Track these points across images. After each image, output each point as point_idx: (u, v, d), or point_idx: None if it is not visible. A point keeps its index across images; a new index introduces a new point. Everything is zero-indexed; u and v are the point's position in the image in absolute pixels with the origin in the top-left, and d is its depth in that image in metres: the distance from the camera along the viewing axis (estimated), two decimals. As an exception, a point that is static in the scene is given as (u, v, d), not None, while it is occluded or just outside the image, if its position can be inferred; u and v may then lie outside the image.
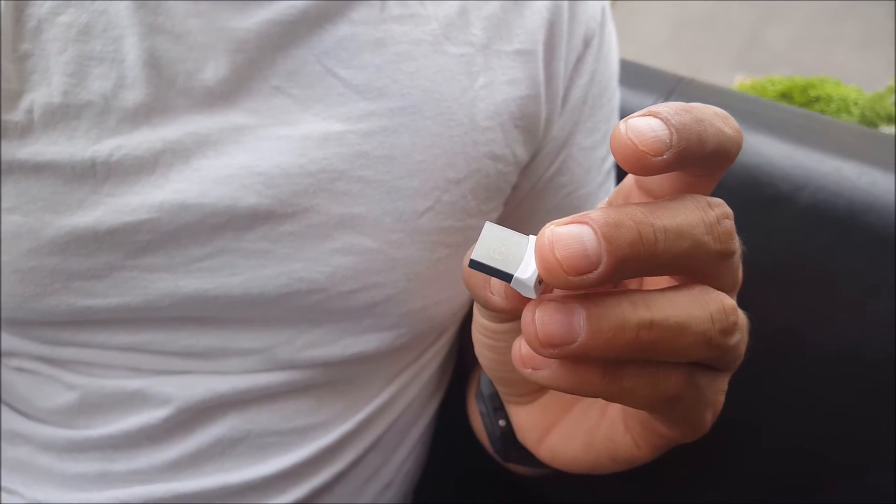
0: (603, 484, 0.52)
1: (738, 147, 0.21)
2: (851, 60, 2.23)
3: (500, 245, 0.19)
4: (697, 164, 0.19)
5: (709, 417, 0.24)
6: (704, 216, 0.19)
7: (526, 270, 0.19)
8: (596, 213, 0.18)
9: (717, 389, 0.23)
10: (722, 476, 0.48)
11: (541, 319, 0.18)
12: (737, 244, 0.21)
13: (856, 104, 1.79)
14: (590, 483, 0.52)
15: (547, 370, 0.19)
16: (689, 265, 0.19)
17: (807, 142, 0.47)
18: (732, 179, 0.46)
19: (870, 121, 1.68)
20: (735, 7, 2.50)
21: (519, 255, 0.19)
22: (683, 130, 0.18)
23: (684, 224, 0.19)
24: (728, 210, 0.20)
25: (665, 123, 0.18)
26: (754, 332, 0.25)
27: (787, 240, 0.45)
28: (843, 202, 0.44)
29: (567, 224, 0.18)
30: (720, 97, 0.53)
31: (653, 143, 0.18)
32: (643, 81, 0.52)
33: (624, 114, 0.48)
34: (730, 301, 0.20)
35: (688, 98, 0.52)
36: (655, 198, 0.23)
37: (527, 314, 0.19)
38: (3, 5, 0.33)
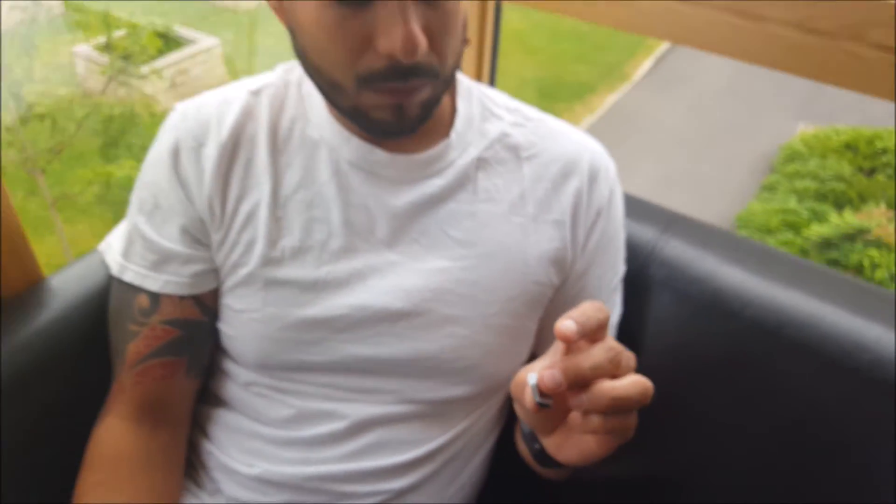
0: (610, 490, 0.75)
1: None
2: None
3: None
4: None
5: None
6: (607, 355, 0.43)
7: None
8: (561, 362, 0.42)
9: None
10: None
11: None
12: (626, 365, 0.43)
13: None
14: (598, 487, 0.75)
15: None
16: (601, 375, 0.43)
17: (780, 279, 0.69)
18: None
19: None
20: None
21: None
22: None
23: (598, 360, 0.42)
24: (619, 350, 0.43)
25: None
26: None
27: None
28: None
29: (550, 368, 0.42)
30: (718, 239, 0.75)
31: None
32: (643, 214, 0.77)
33: (629, 243, 0.72)
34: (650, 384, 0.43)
35: (684, 235, 0.75)
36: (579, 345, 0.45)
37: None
38: (266, 191, 0.61)
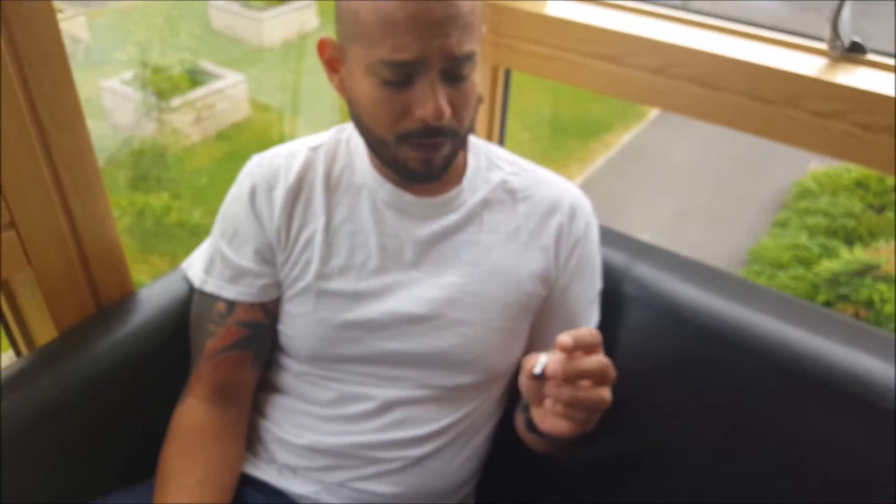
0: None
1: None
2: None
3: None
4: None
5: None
6: (598, 366, 0.59)
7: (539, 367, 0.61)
8: (564, 361, 0.59)
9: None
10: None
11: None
12: (608, 377, 0.60)
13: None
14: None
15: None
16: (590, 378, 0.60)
17: (723, 294, 0.86)
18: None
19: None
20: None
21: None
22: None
23: (590, 367, 0.59)
24: (607, 365, 0.60)
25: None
26: None
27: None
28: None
29: (557, 362, 0.59)
30: (677, 263, 0.92)
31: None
32: (618, 243, 0.94)
33: (607, 265, 0.89)
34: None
35: (650, 260, 0.93)
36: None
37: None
38: (321, 224, 0.79)
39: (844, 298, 4.80)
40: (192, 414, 0.81)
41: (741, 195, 6.50)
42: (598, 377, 0.60)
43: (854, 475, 0.78)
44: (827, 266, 4.98)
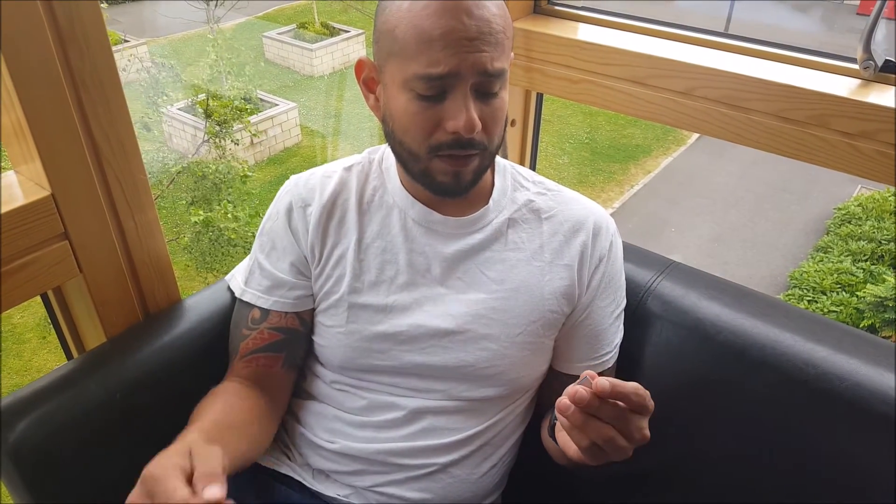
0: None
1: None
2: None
3: None
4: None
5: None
6: (614, 412, 0.61)
7: None
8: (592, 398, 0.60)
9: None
10: None
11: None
12: (626, 426, 0.62)
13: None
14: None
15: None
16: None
17: (746, 311, 0.87)
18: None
19: None
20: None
21: None
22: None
23: (606, 413, 0.61)
24: (626, 418, 0.61)
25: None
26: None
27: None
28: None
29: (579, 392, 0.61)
30: (701, 281, 0.94)
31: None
32: (644, 261, 0.96)
33: (629, 282, 0.91)
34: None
35: (675, 277, 0.94)
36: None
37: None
38: (353, 240, 0.83)
39: (890, 324, 4.66)
40: (228, 385, 0.84)
41: (782, 220, 6.39)
42: (616, 424, 0.62)
43: (882, 497, 0.77)
44: (872, 290, 4.85)
